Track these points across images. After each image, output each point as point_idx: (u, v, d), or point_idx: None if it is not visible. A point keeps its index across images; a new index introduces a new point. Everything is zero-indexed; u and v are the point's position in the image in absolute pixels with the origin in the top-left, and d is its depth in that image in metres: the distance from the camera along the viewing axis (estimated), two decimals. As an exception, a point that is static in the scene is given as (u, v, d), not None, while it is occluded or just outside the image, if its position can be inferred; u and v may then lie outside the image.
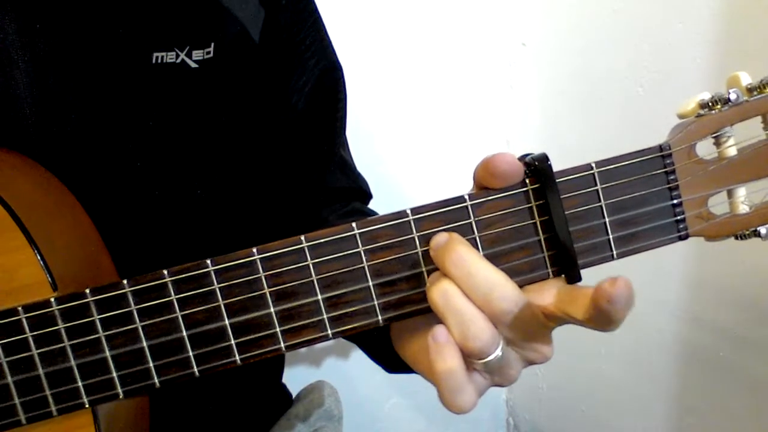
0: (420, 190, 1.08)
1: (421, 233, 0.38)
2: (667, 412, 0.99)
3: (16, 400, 0.40)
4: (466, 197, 0.38)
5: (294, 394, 0.76)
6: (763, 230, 0.40)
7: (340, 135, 0.66)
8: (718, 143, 0.40)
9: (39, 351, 0.39)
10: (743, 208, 0.40)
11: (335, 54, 0.64)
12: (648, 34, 0.89)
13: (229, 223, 0.58)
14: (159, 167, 0.54)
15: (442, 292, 0.35)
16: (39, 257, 0.41)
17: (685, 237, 0.40)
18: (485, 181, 0.38)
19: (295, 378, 0.78)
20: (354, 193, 0.67)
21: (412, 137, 1.08)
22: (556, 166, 0.38)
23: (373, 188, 0.71)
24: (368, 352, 0.56)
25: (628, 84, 0.93)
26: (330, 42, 0.64)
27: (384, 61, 1.02)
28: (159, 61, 0.52)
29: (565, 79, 1.04)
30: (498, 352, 0.36)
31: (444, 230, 0.38)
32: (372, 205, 0.70)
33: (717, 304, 0.89)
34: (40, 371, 0.39)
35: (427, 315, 0.39)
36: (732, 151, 0.39)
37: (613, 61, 0.95)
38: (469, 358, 0.36)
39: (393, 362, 0.47)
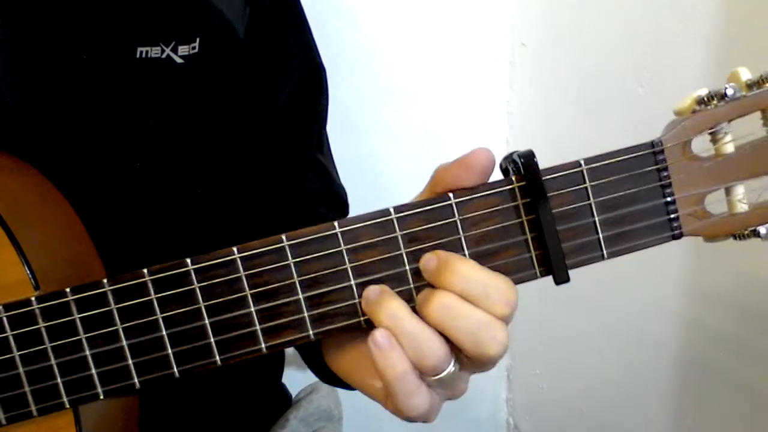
0: (419, 190, 1.07)
1: (405, 232, 0.37)
2: (666, 413, 0.99)
3: (-4, 400, 0.39)
4: (451, 195, 0.37)
5: (294, 395, 0.76)
6: (762, 230, 0.38)
7: (317, 137, 0.65)
8: (714, 140, 0.38)
9: (19, 350, 0.39)
10: (741, 207, 0.38)
11: (319, 56, 0.63)
12: (648, 34, 0.88)
13: (216, 221, 0.58)
14: (144, 163, 0.53)
15: (390, 315, 0.35)
16: (21, 256, 0.41)
17: (679, 236, 0.38)
18: (464, 180, 0.37)
19: (294, 378, 0.77)
20: (327, 196, 0.64)
21: (411, 137, 1.07)
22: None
23: (372, 188, 0.70)
24: (308, 365, 0.55)
25: (628, 84, 0.92)
26: (314, 43, 0.63)
27: (384, 61, 1.01)
28: (144, 56, 0.51)
29: (565, 79, 1.03)
30: (451, 367, 0.36)
31: (428, 228, 0.37)
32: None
33: (716, 306, 0.88)
34: (20, 370, 0.39)
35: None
36: (729, 148, 0.38)
37: (613, 61, 0.94)
38: (424, 375, 0.36)
39: (327, 376, 0.47)
